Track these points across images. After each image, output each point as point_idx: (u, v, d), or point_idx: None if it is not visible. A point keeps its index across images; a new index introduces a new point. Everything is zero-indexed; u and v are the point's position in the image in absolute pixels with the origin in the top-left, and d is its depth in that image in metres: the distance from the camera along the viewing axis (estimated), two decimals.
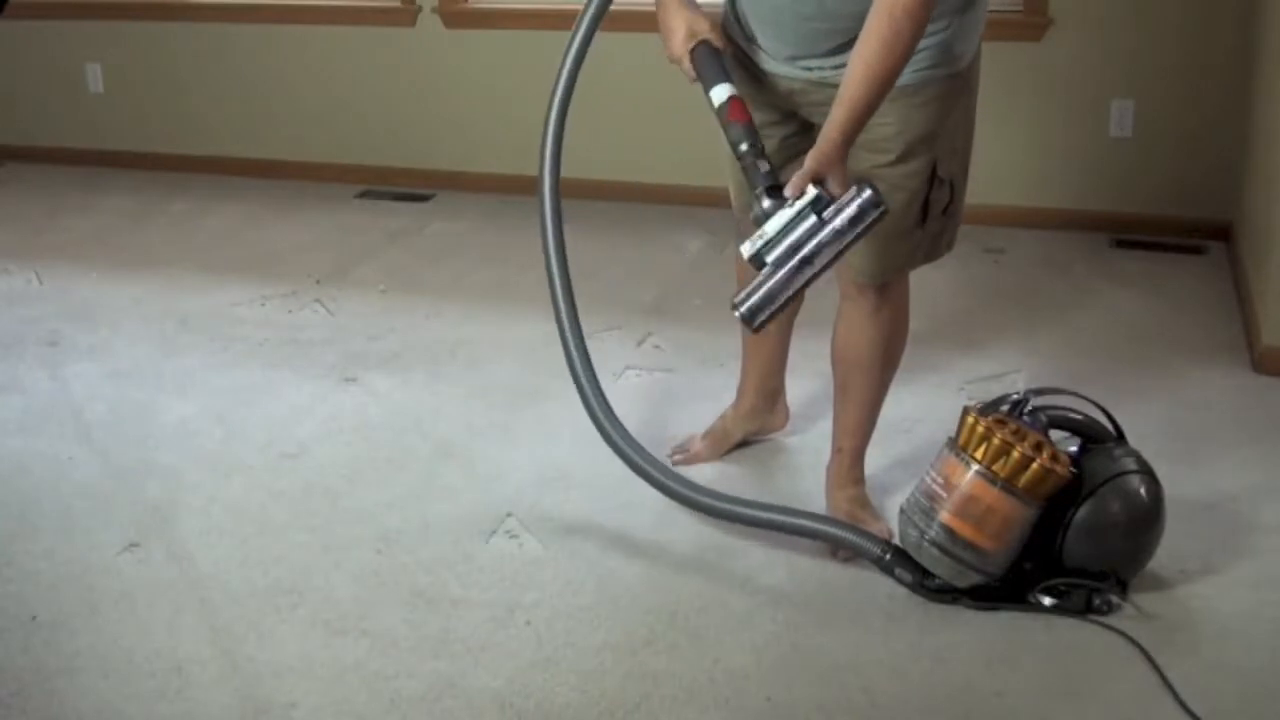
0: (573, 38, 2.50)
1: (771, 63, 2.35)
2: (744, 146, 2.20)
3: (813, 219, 2.05)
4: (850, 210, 2.04)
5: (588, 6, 2.48)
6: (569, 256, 2.56)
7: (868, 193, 2.03)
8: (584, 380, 2.54)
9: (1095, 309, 3.64)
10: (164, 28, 5.09)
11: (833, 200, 2.06)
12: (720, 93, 2.25)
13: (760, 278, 2.08)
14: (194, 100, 5.14)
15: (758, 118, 2.33)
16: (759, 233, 2.08)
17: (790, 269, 2.05)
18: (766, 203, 2.11)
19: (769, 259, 2.06)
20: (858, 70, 2.07)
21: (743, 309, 2.09)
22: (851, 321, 2.50)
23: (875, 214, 2.04)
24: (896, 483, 2.67)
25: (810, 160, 2.10)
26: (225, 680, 2.21)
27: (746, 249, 2.08)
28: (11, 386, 3.36)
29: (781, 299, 2.08)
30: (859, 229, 2.05)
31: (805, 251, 2.04)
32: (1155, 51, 4.02)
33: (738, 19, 2.38)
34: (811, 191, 2.06)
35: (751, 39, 2.35)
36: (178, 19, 5.06)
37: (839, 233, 2.04)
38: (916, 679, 2.17)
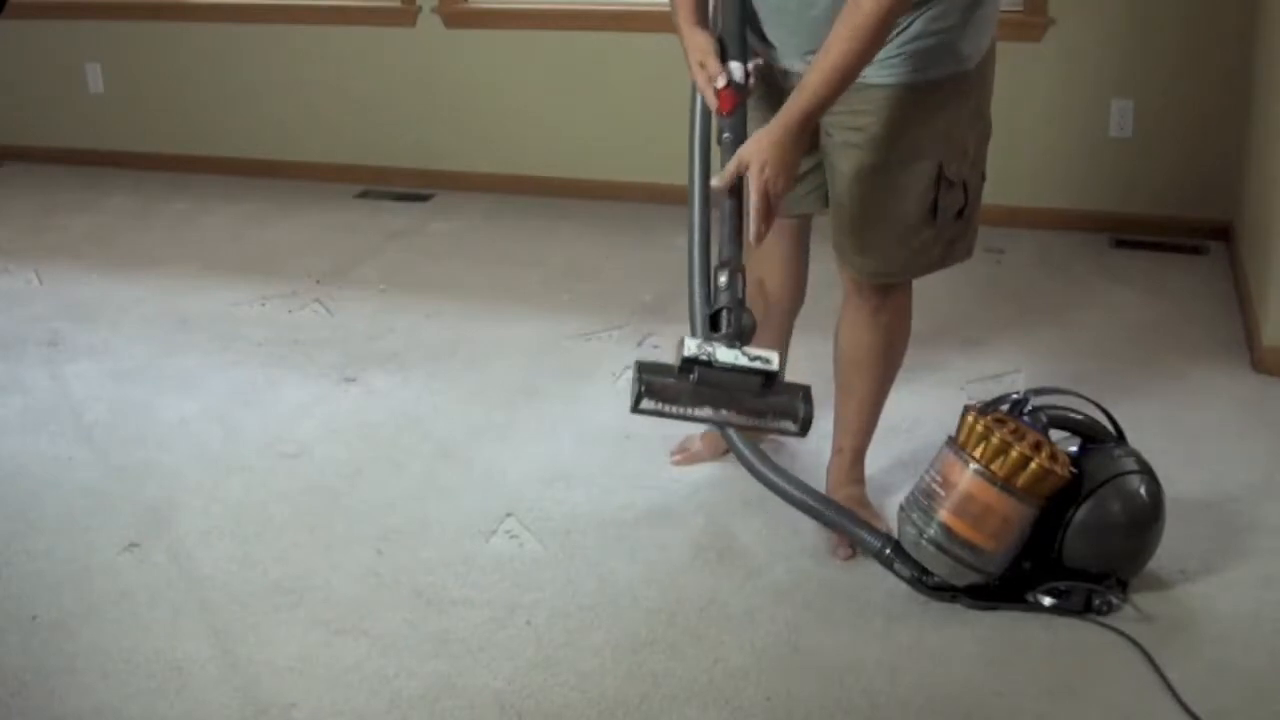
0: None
1: (779, 58, 2.34)
2: (727, 136, 2.22)
3: (755, 390, 2.06)
4: (782, 420, 2.10)
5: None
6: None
7: (803, 413, 2.08)
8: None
9: (1095, 309, 3.64)
10: (164, 28, 5.09)
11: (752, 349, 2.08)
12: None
13: (675, 398, 2.08)
14: (194, 100, 5.14)
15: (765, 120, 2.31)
16: (707, 342, 2.06)
17: (700, 417, 2.11)
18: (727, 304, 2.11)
19: (694, 377, 2.05)
20: (820, 59, 2.09)
21: (641, 405, 2.09)
22: (854, 322, 2.50)
23: (793, 430, 2.10)
24: (896, 483, 2.67)
25: (747, 148, 2.14)
26: (225, 680, 2.21)
27: (690, 347, 2.05)
28: (11, 386, 3.36)
29: (675, 420, 2.14)
30: (769, 427, 2.13)
31: (719, 414, 2.10)
32: (1155, 51, 4.03)
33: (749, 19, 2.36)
34: (773, 361, 2.06)
35: (760, 36, 2.34)
36: (178, 19, 5.06)
37: (756, 417, 2.10)
38: (916, 679, 2.17)
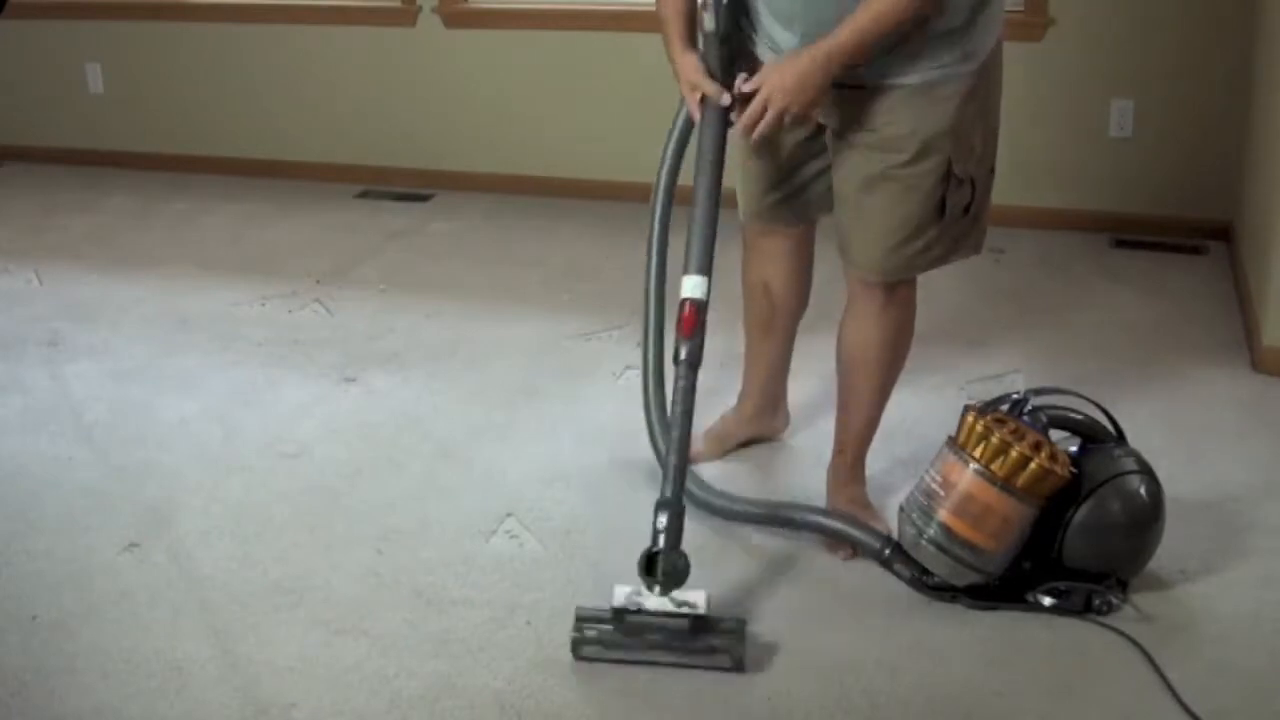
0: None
1: (777, 58, 2.33)
2: (684, 358, 2.33)
3: (687, 630, 2.15)
4: (717, 657, 2.16)
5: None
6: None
7: (736, 652, 2.15)
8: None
9: (1095, 309, 3.64)
10: (164, 28, 5.09)
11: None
12: (689, 287, 2.36)
13: (613, 644, 2.17)
14: (194, 100, 5.14)
15: None
16: (636, 592, 2.18)
17: (641, 659, 2.17)
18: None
19: (626, 623, 2.16)
20: (855, 14, 2.13)
21: (582, 652, 2.19)
22: (860, 321, 2.49)
23: (726, 666, 2.16)
24: (896, 483, 2.67)
25: (768, 71, 2.23)
26: (225, 680, 2.21)
27: (619, 598, 2.18)
28: (11, 386, 3.36)
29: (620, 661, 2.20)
30: (705, 664, 2.17)
31: (656, 655, 2.17)
32: (1155, 51, 4.03)
33: (748, 17, 2.36)
34: (700, 603, 2.16)
35: (765, 36, 2.34)
36: (178, 19, 5.06)
37: (692, 656, 2.16)
38: (916, 679, 2.17)
